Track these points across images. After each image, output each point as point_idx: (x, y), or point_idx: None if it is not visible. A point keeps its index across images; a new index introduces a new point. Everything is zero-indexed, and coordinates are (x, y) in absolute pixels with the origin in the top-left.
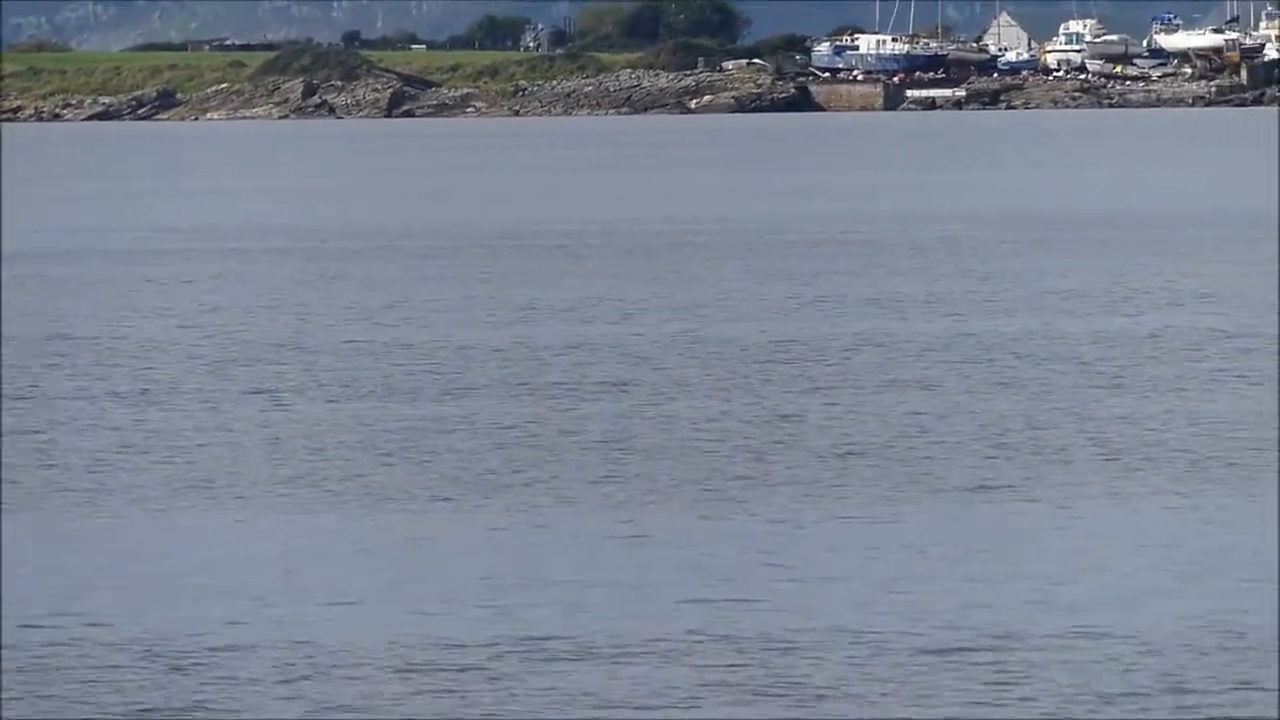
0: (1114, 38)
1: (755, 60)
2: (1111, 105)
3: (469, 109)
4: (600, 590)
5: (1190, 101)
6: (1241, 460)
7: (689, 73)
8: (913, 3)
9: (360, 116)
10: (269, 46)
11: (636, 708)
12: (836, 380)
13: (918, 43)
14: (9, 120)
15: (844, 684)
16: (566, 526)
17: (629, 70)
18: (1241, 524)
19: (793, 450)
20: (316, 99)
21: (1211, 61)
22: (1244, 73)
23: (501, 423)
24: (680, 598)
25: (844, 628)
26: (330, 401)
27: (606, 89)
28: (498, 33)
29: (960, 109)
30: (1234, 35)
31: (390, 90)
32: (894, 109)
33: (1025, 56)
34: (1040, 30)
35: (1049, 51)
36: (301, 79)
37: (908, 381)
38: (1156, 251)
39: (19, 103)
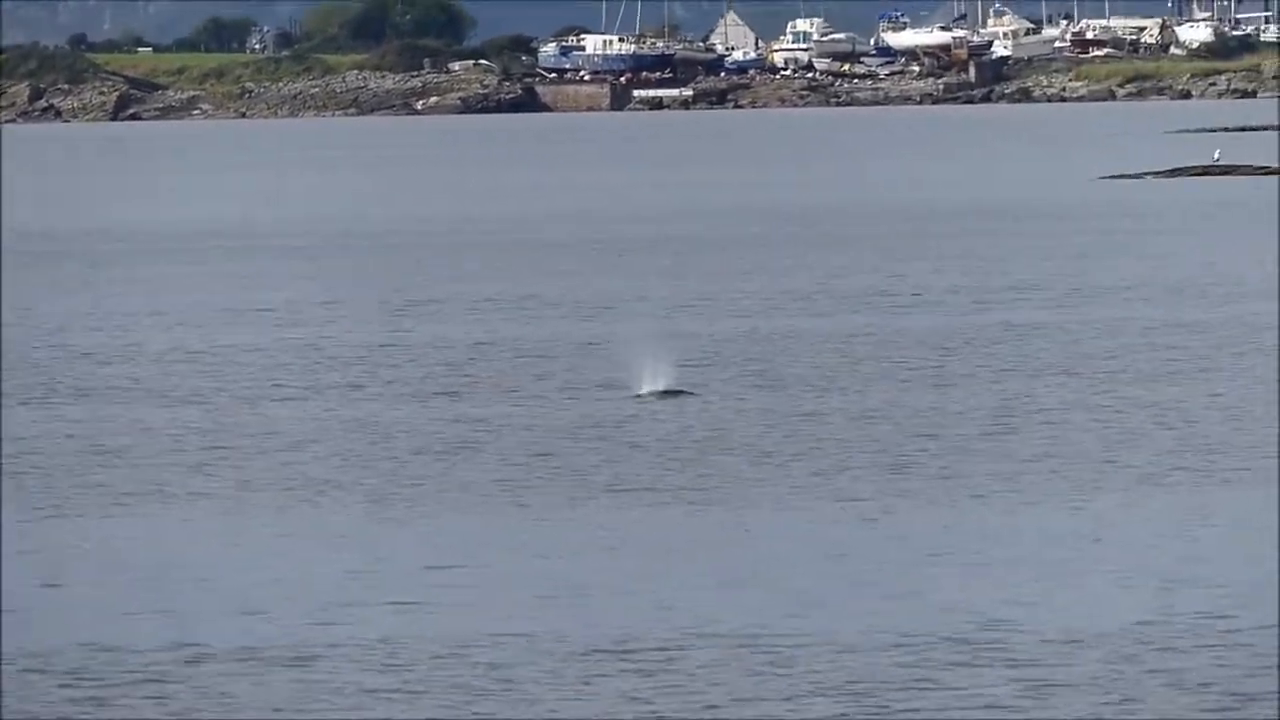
0: (841, 36)
1: (482, 61)
2: (840, 104)
3: (196, 111)
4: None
5: (918, 99)
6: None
7: (415, 74)
8: (639, 2)
9: (87, 120)
10: None
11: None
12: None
13: (644, 43)
14: None
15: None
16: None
17: (355, 71)
18: None
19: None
20: (43, 103)
21: (939, 59)
22: (972, 70)
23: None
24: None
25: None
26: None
27: (333, 90)
28: (224, 35)
29: (688, 109)
30: (962, 33)
31: (117, 93)
32: (621, 109)
33: (752, 56)
34: (768, 29)
35: (776, 50)
36: (27, 83)
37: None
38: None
39: None
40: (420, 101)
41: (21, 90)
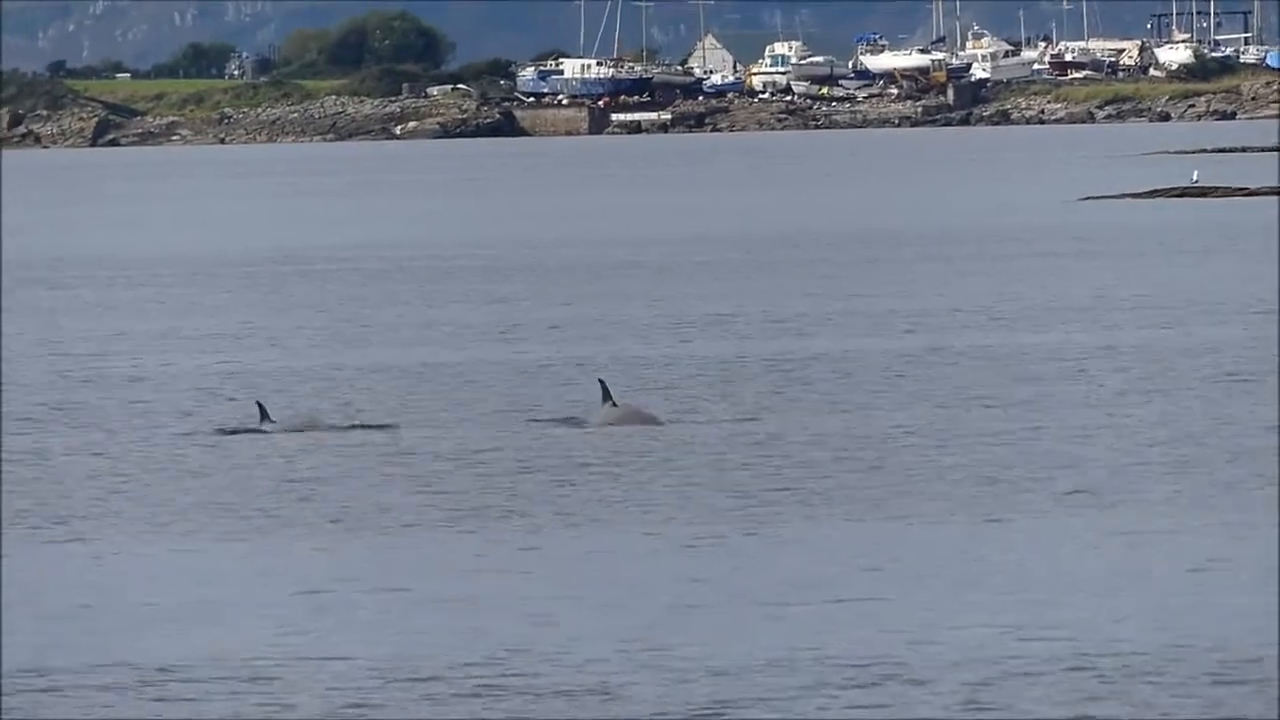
0: (819, 59)
1: (460, 86)
2: (818, 126)
3: (175, 137)
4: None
5: (896, 122)
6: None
7: (394, 99)
8: (617, 26)
9: (66, 146)
10: None
11: None
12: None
13: (623, 66)
14: None
15: None
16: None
17: (334, 97)
18: None
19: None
20: (22, 129)
21: (918, 81)
22: (950, 92)
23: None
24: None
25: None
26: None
27: (312, 116)
28: (203, 60)
29: (666, 132)
30: (940, 55)
31: (96, 119)
32: (599, 133)
33: (731, 79)
34: (746, 53)
35: (755, 74)
36: (6, 109)
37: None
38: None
39: None
40: (399, 126)
41: (0, 117)
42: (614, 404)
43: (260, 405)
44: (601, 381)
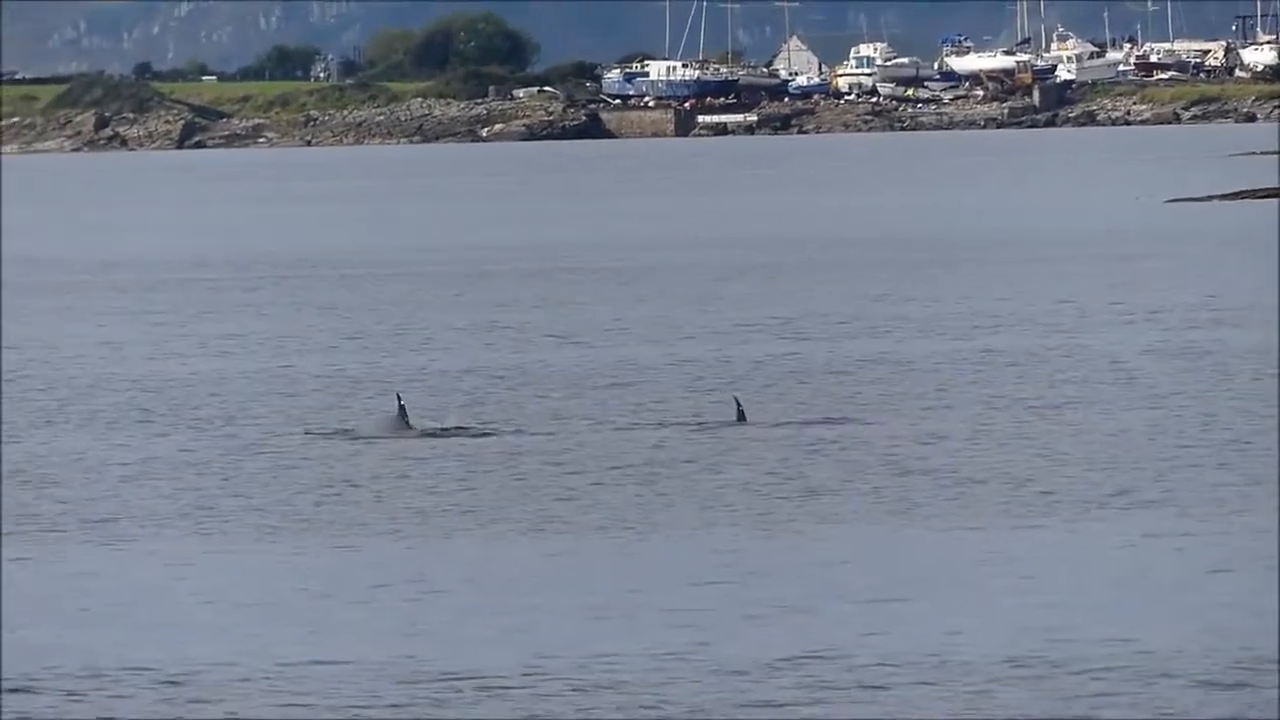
0: (905, 61)
1: (546, 88)
2: (904, 128)
3: (260, 139)
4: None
5: (982, 123)
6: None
7: (480, 101)
8: (702, 28)
9: (153, 148)
10: (60, 79)
11: None
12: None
13: (708, 68)
14: None
15: None
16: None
17: (420, 99)
18: None
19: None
20: (109, 131)
21: (1003, 83)
22: (1036, 94)
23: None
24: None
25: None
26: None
27: (398, 118)
28: (288, 63)
29: (752, 134)
30: (1025, 57)
31: (182, 122)
32: (685, 134)
33: (816, 80)
34: (831, 54)
35: (840, 75)
36: (93, 112)
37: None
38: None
39: None
40: (485, 129)
41: (87, 119)
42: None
43: (400, 403)
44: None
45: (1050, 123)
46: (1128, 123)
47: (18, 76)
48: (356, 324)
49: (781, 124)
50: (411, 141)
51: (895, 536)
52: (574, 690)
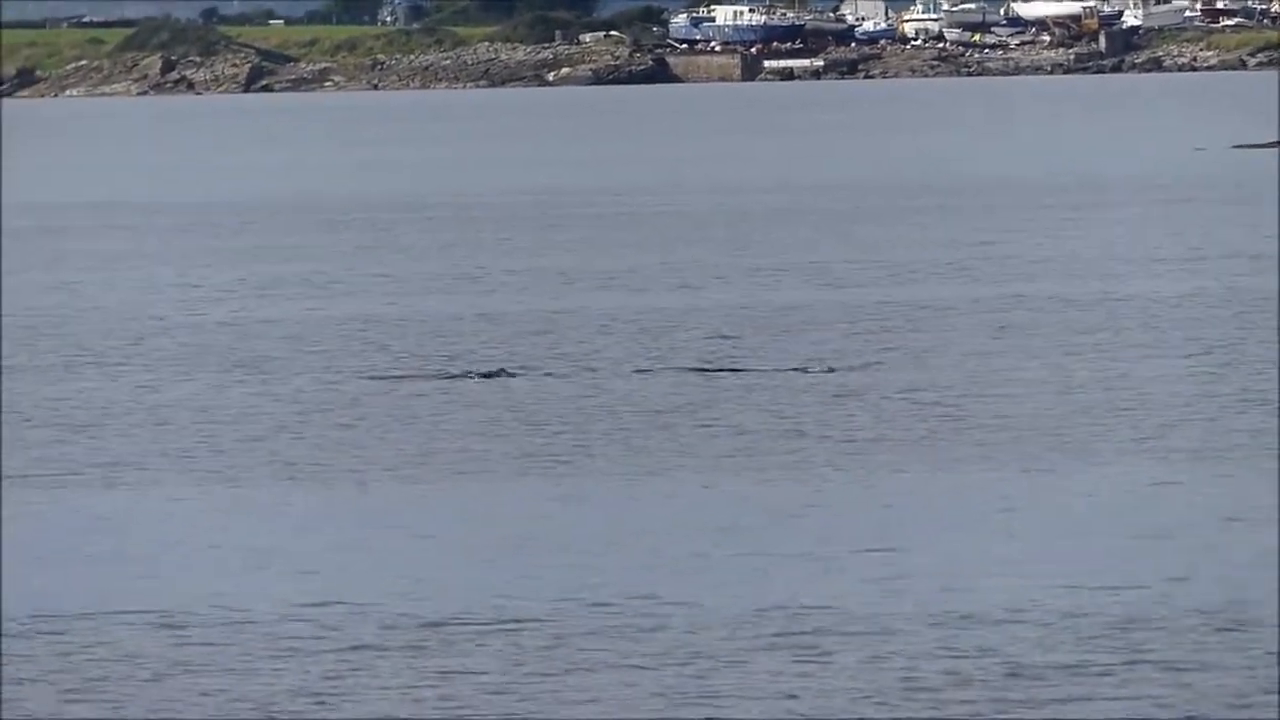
0: (971, 6)
1: (612, 32)
2: (970, 74)
3: (327, 83)
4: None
5: (1049, 69)
6: None
7: (546, 45)
8: None
9: (219, 92)
10: (127, 23)
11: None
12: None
13: (775, 13)
14: None
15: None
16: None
17: (486, 44)
18: None
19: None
20: (175, 75)
21: (1070, 29)
22: (1102, 40)
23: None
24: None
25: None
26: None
27: (464, 63)
28: (355, 7)
29: (818, 79)
30: (1092, 2)
31: (249, 65)
32: (751, 80)
33: (883, 26)
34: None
35: (906, 21)
36: (160, 55)
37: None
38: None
39: None
40: (551, 73)
41: (154, 63)
42: None
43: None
44: None
45: (1116, 69)
46: (1194, 69)
47: (85, 20)
48: (413, 267)
49: (848, 69)
50: (477, 86)
51: (903, 481)
52: (606, 629)
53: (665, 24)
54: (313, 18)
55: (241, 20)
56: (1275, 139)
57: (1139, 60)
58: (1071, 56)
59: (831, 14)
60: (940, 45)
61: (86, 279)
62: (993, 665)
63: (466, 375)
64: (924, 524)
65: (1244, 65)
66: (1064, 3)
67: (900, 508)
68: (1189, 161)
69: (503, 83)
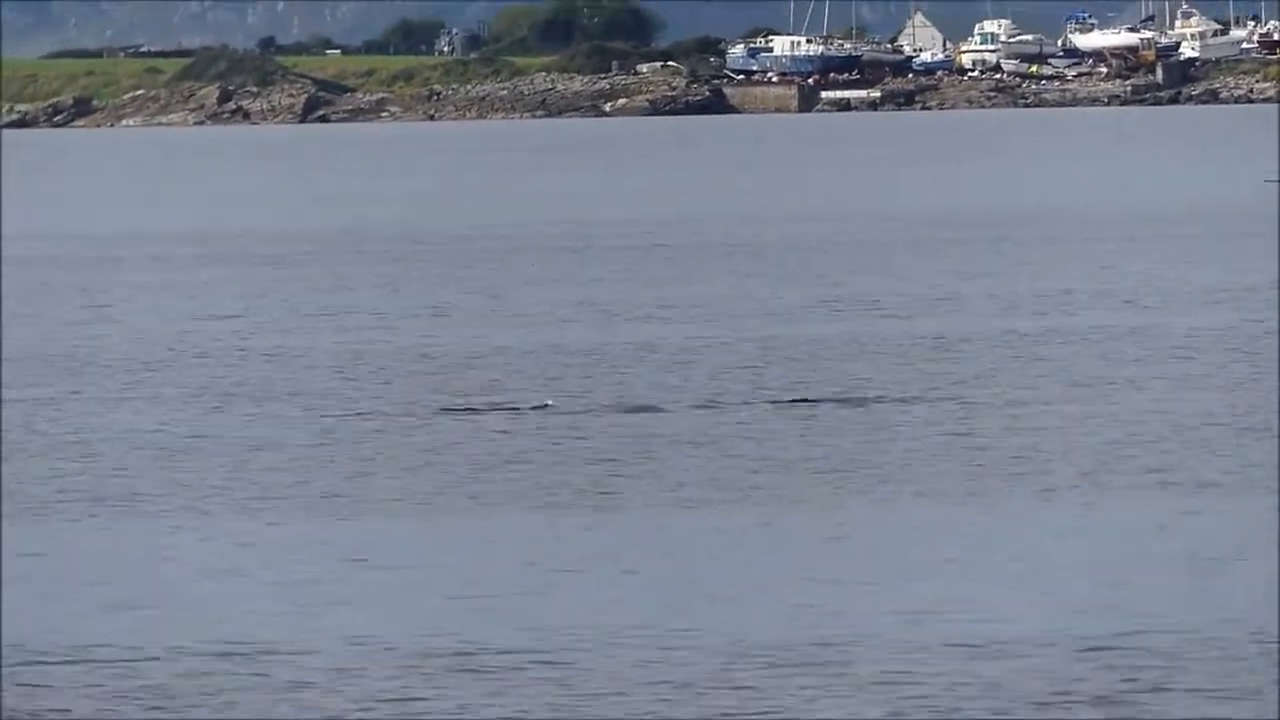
0: (1029, 37)
1: (670, 63)
2: (1027, 105)
3: (384, 114)
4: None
5: (1106, 101)
6: None
7: (603, 76)
8: (826, 3)
9: (276, 122)
10: (184, 53)
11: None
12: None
13: (832, 44)
14: None
15: None
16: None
17: (543, 74)
18: None
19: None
20: (232, 105)
21: (1127, 60)
22: (1159, 71)
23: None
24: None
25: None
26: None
27: (521, 93)
28: (412, 37)
29: (875, 110)
30: (1149, 34)
31: (305, 95)
32: (809, 110)
33: (940, 57)
34: (955, 30)
35: (964, 52)
36: (217, 85)
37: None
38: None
39: None
40: (608, 103)
41: (211, 92)
42: None
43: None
44: None
45: (1173, 100)
46: (1250, 100)
47: (142, 49)
48: (452, 299)
49: (905, 100)
50: (534, 116)
51: (934, 515)
52: (645, 662)
53: (722, 54)
54: (370, 48)
55: (298, 50)
56: None
57: (1196, 91)
58: (1129, 88)
59: (889, 45)
60: (997, 76)
61: (129, 308)
62: (1025, 694)
63: (512, 407)
64: (953, 554)
65: None
66: (1121, 34)
67: (932, 539)
68: (1263, 193)
69: (559, 113)
